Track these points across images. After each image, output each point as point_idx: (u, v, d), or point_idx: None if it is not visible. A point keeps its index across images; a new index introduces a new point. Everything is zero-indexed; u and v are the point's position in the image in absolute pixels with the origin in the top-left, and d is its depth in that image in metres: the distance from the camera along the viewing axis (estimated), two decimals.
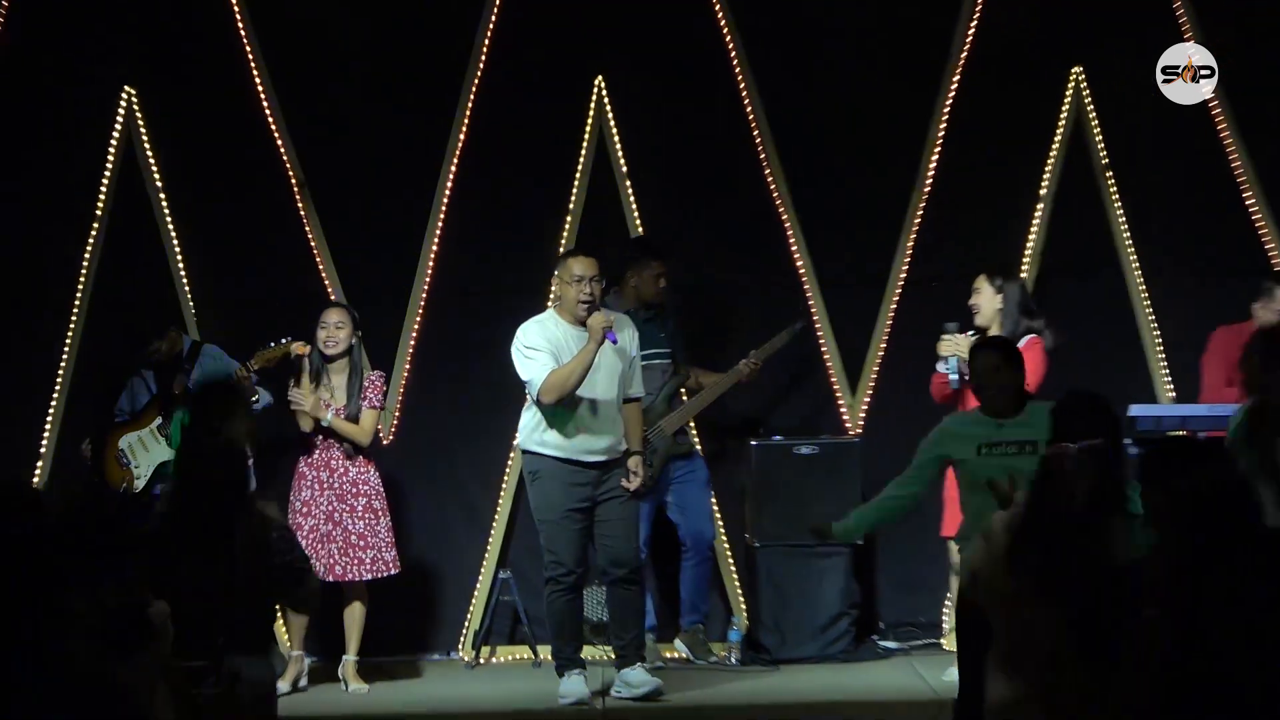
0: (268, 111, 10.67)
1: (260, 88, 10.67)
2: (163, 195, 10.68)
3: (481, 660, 10.25)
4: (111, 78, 10.68)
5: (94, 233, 10.63)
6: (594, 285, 8.83)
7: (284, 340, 9.37)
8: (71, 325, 10.56)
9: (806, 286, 10.61)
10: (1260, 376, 7.47)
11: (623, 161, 10.69)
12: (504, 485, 10.50)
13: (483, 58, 10.68)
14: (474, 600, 10.44)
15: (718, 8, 10.68)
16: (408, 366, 10.60)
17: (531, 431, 8.90)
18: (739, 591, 10.43)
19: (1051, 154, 10.65)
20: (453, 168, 10.67)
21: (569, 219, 10.63)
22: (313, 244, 10.65)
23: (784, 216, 10.63)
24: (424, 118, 10.69)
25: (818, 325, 10.57)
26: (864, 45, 10.65)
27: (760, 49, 10.67)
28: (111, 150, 10.68)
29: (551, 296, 9.47)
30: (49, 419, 10.48)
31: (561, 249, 10.14)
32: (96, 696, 5.24)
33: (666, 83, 10.74)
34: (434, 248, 10.65)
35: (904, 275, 10.60)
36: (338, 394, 9.44)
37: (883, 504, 8.00)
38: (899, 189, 10.62)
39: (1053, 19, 10.66)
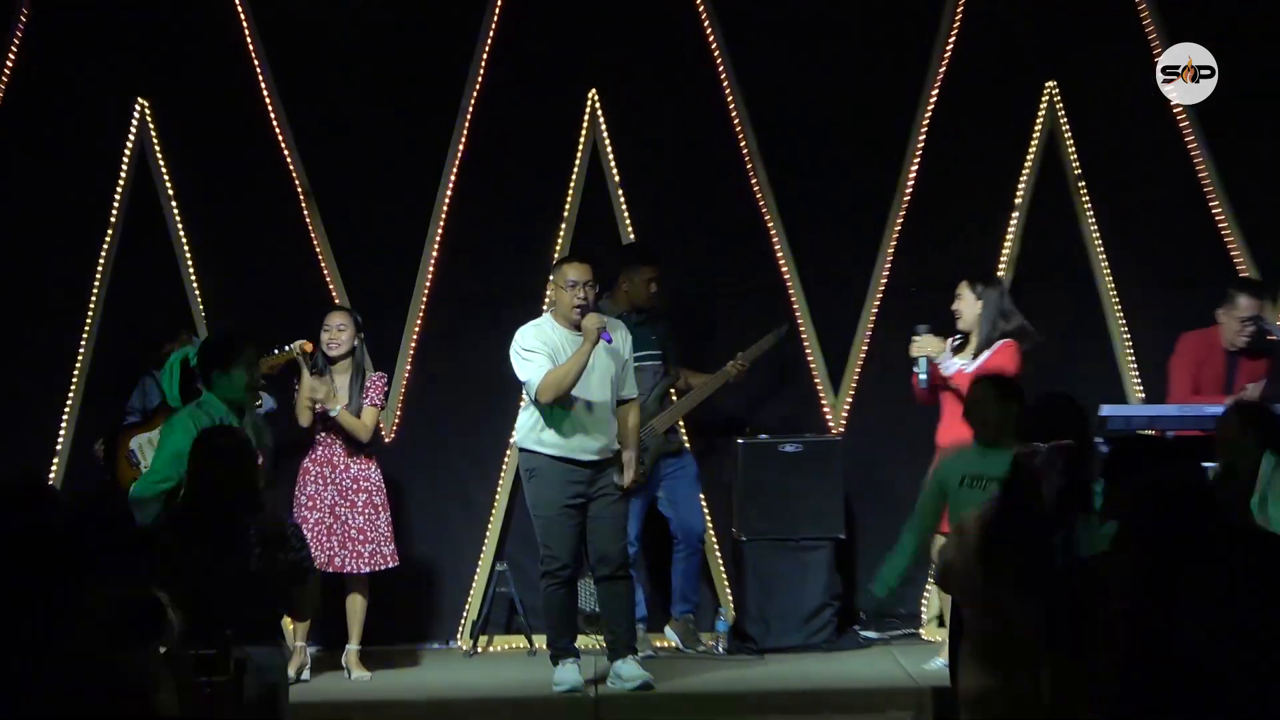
0: (274, 123, 10.68)
1: (267, 100, 10.67)
2: (173, 202, 10.69)
3: (479, 649, 10.26)
4: (124, 90, 10.68)
5: (108, 238, 10.63)
6: (588, 290, 8.85)
7: (288, 347, 9.37)
8: (86, 328, 10.55)
9: (791, 291, 10.63)
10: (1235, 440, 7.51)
11: (615, 171, 10.71)
12: (501, 481, 10.51)
13: (481, 71, 10.69)
14: (472, 592, 10.46)
15: (706, 24, 10.69)
16: (409, 367, 10.61)
17: (529, 431, 8.91)
18: (726, 583, 10.44)
19: (1026, 165, 10.66)
20: (452, 176, 10.67)
21: (564, 226, 10.64)
22: (317, 249, 10.66)
23: (769, 224, 10.64)
24: (425, 129, 10.69)
25: (801, 328, 10.58)
26: (846, 59, 10.65)
27: (747, 65, 10.68)
28: (125, 159, 10.68)
29: (546, 301, 9.48)
30: (64, 419, 10.48)
31: (556, 254, 10.17)
32: (106, 687, 5.24)
33: (657, 96, 10.75)
34: (434, 253, 10.66)
35: (884, 280, 10.62)
36: (341, 393, 9.45)
37: (903, 550, 7.85)
38: (880, 198, 10.63)
39: (1028, 35, 10.68)
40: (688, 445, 10.26)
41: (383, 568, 9.54)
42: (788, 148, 10.66)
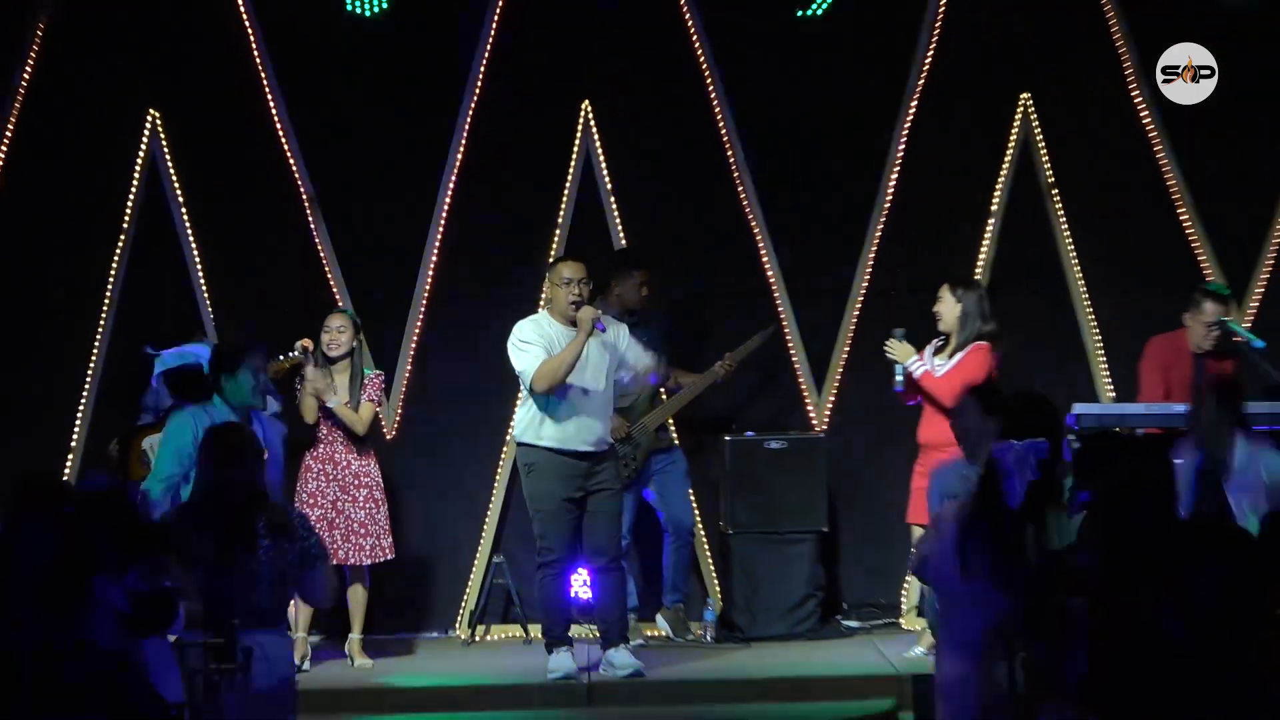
0: (279, 132, 10.67)
1: (273, 110, 10.67)
2: (183, 207, 10.69)
3: (477, 638, 10.26)
4: (137, 101, 10.68)
5: (121, 243, 10.63)
6: (582, 287, 8.84)
7: (293, 353, 9.38)
8: (99, 329, 10.55)
9: (776, 294, 10.64)
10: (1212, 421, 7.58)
11: (607, 178, 10.71)
12: (498, 477, 10.51)
13: (479, 82, 10.69)
14: (470, 583, 10.46)
15: (695, 39, 10.70)
16: (409, 365, 10.62)
17: (527, 424, 8.90)
18: (714, 575, 10.45)
19: (1002, 174, 10.68)
20: (452, 182, 10.68)
21: (558, 230, 10.65)
22: (321, 252, 10.66)
23: (756, 230, 10.65)
24: (425, 137, 10.69)
25: (786, 330, 10.60)
26: (830, 73, 10.65)
27: (734, 78, 10.69)
28: (137, 166, 10.68)
29: (543, 300, 9.49)
30: (79, 418, 10.48)
31: (551, 257, 10.17)
32: (120, 673, 5.25)
33: (647, 107, 10.76)
34: (434, 256, 10.67)
35: (865, 285, 10.63)
36: (340, 391, 9.47)
37: None
38: (861, 206, 10.65)
39: (1003, 49, 10.70)
40: (677, 442, 10.27)
41: (382, 559, 9.56)
42: (773, 157, 10.67)
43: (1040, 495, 5.55)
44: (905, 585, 10.33)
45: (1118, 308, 10.49)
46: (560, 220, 10.66)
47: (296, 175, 10.66)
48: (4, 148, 10.60)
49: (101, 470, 9.84)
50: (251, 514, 6.45)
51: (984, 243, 10.62)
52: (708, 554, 10.48)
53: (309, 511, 9.33)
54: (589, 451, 8.83)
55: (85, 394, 10.50)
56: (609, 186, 10.71)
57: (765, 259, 10.63)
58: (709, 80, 10.69)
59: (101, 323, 10.56)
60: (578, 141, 10.72)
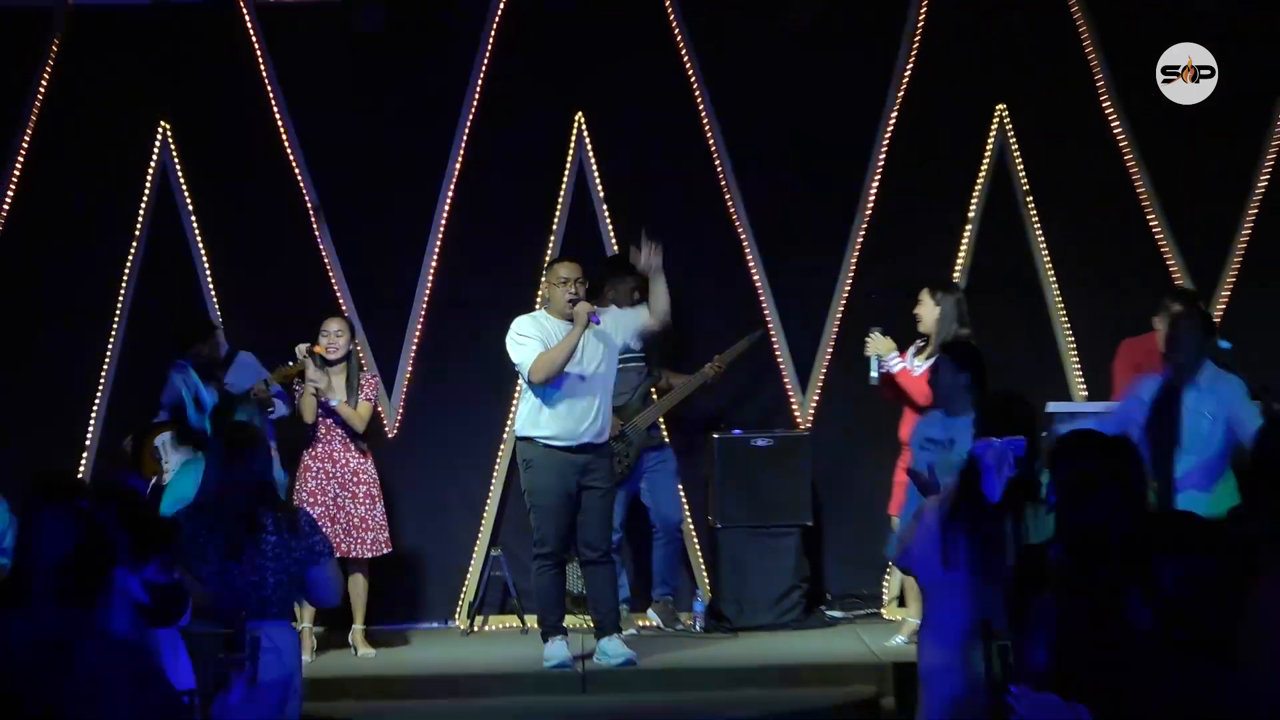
0: (286, 142, 10.67)
1: (279, 122, 10.67)
2: (193, 215, 10.68)
3: (475, 628, 10.26)
4: (149, 113, 10.68)
5: (133, 248, 10.62)
6: (578, 286, 8.82)
7: (297, 358, 9.38)
8: (113, 333, 10.54)
9: (762, 298, 10.64)
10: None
11: (600, 187, 10.71)
12: (496, 473, 10.51)
13: (477, 96, 10.69)
14: (468, 575, 10.46)
15: (684, 54, 10.71)
16: (410, 366, 10.61)
17: (527, 419, 8.89)
18: (702, 567, 10.45)
19: (978, 181, 10.69)
20: (450, 192, 10.67)
21: (552, 237, 10.64)
22: (325, 258, 10.66)
23: (743, 236, 10.66)
24: (425, 147, 10.69)
25: (772, 333, 10.60)
26: (813, 86, 10.64)
27: (721, 91, 10.70)
28: (149, 176, 10.67)
29: (539, 299, 9.47)
30: (93, 417, 10.48)
31: (546, 262, 10.16)
32: (136, 661, 5.24)
33: (638, 119, 10.75)
34: (434, 262, 10.66)
35: (848, 288, 10.64)
36: (338, 392, 9.49)
37: None
38: (844, 213, 10.65)
39: (980, 62, 10.71)
40: (668, 440, 10.27)
41: (381, 553, 9.56)
42: (759, 166, 10.68)
43: (1018, 491, 5.57)
44: (886, 576, 10.34)
45: (1090, 310, 10.50)
46: (555, 226, 10.66)
47: (301, 184, 10.66)
48: (22, 157, 10.61)
49: (115, 467, 9.85)
50: (260, 510, 6.44)
51: (962, 248, 10.63)
52: (697, 547, 10.48)
53: (309, 509, 9.32)
54: (587, 444, 8.81)
55: (99, 393, 10.49)
56: (601, 194, 10.71)
57: (752, 264, 10.63)
58: (697, 92, 10.69)
59: (115, 324, 10.55)
60: (571, 151, 10.72)
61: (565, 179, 10.70)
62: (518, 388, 9.69)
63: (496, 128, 10.68)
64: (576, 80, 10.74)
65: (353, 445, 9.52)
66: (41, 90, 10.64)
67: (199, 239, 10.67)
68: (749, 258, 10.63)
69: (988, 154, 10.69)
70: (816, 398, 10.61)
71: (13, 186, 10.60)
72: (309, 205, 10.62)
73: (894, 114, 10.67)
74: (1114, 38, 10.64)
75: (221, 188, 10.71)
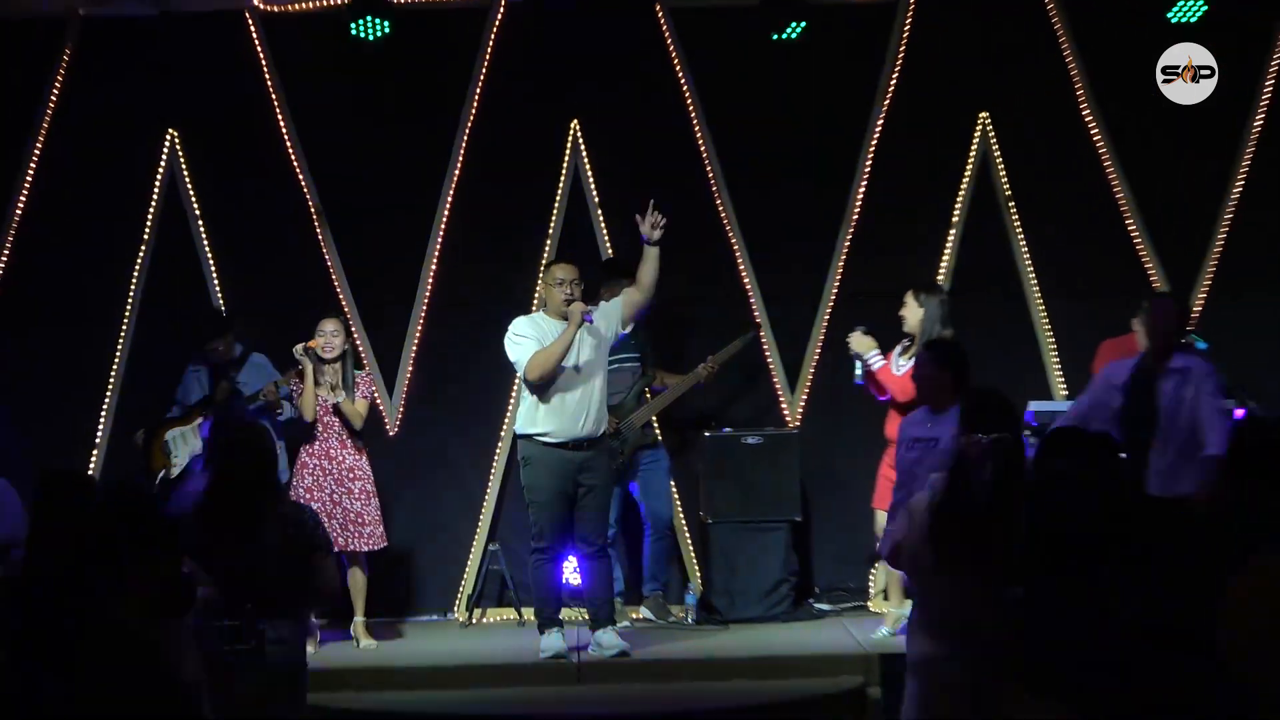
0: (290, 149, 10.67)
1: (284, 129, 10.68)
2: (200, 219, 10.68)
3: (473, 621, 10.26)
4: (157, 121, 10.67)
5: (142, 252, 10.63)
6: (574, 287, 8.82)
7: (299, 361, 9.38)
8: (123, 333, 10.55)
9: (752, 300, 10.63)
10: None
11: (595, 192, 10.71)
12: (493, 469, 10.51)
13: (475, 104, 10.69)
14: (467, 569, 10.45)
15: (676, 64, 10.71)
16: (411, 366, 10.61)
17: (525, 417, 8.88)
18: (694, 561, 10.44)
19: (962, 187, 10.69)
20: (450, 196, 10.67)
21: (549, 241, 10.64)
22: (328, 261, 10.65)
23: (733, 240, 10.65)
24: (425, 154, 10.69)
25: (762, 334, 10.59)
26: (802, 92, 10.66)
27: (712, 99, 10.70)
28: (157, 182, 10.68)
29: (536, 300, 9.44)
30: (103, 415, 10.47)
31: (543, 265, 10.15)
32: (141, 656, 5.23)
33: (632, 126, 10.75)
34: (434, 264, 10.66)
35: (835, 291, 10.63)
36: (335, 390, 9.48)
37: None
38: (831, 217, 10.65)
39: (963, 72, 10.71)
40: (661, 438, 10.26)
41: (378, 547, 9.56)
42: (749, 172, 10.68)
43: (1004, 486, 5.55)
44: (873, 570, 10.33)
45: (1070, 312, 10.50)
46: (551, 231, 10.65)
47: (305, 189, 10.65)
48: (34, 164, 10.64)
49: (124, 459, 9.85)
50: (265, 506, 6.42)
51: (946, 251, 10.62)
52: (689, 542, 10.47)
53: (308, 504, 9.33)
54: (583, 439, 8.80)
55: (109, 392, 10.50)
56: (596, 200, 10.70)
57: (742, 267, 10.62)
58: (689, 100, 10.69)
59: (124, 325, 10.56)
60: (567, 158, 10.72)
61: (562, 183, 10.69)
62: (516, 387, 9.66)
63: (494, 134, 10.68)
64: (572, 89, 10.73)
65: (349, 442, 9.52)
66: (53, 99, 10.66)
67: (205, 242, 10.67)
68: (740, 261, 10.62)
69: (971, 161, 10.69)
70: (805, 396, 10.61)
71: (25, 191, 10.62)
72: (312, 209, 10.61)
73: (880, 122, 10.67)
74: (1094, 48, 10.65)
75: (227, 193, 10.71)
